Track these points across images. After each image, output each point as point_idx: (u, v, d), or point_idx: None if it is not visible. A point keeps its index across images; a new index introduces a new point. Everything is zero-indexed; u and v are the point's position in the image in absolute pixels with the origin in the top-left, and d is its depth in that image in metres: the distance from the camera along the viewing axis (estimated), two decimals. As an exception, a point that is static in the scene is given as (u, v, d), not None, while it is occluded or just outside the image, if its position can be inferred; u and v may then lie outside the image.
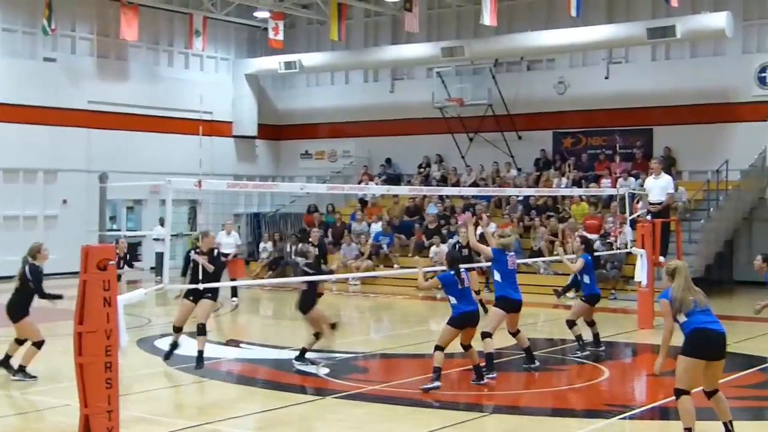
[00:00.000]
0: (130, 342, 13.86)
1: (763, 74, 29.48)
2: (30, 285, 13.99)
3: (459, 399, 13.24)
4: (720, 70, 30.38)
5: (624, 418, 11.99)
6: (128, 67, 35.60)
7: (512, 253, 14.72)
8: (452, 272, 13.56)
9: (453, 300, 13.55)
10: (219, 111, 37.42)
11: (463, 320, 13.45)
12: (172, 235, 27.64)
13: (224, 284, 17.21)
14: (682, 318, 9.92)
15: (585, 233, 26.92)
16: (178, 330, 15.20)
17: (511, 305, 14.43)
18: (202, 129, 19.59)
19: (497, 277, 14.55)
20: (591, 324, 16.79)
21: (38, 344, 14.10)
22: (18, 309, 14.11)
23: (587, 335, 16.64)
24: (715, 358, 9.98)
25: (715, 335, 9.92)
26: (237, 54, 39.36)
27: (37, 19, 32.35)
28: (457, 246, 16.89)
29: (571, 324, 16.54)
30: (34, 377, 13.99)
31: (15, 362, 14.12)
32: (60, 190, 33.10)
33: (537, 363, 14.91)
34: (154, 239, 30.83)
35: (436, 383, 13.20)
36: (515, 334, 14.93)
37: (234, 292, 25.11)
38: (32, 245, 14.37)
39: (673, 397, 10.06)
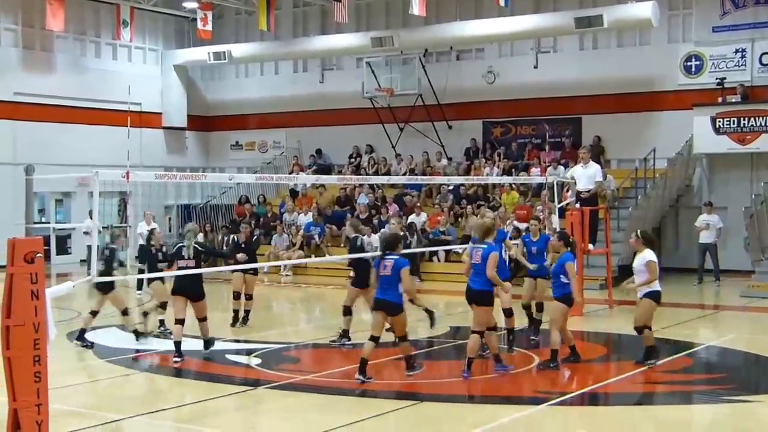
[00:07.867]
0: (60, 335, 13.73)
1: (689, 63, 29.89)
2: None
3: (392, 388, 13.27)
4: (646, 60, 30.73)
5: (553, 405, 12.10)
6: (54, 58, 35.12)
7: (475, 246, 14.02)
8: None
9: None
10: (148, 102, 36.97)
11: None
12: (102, 227, 27.54)
13: (156, 275, 17.12)
14: None
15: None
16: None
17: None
18: (131, 120, 19.40)
19: None
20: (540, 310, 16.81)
21: None
22: None
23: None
24: None
25: None
26: (165, 45, 39.01)
27: (-40, 10, 31.86)
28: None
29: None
30: None
31: None
32: (-15, 183, 32.55)
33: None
34: (84, 232, 30.46)
35: None
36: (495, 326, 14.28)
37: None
38: None
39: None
